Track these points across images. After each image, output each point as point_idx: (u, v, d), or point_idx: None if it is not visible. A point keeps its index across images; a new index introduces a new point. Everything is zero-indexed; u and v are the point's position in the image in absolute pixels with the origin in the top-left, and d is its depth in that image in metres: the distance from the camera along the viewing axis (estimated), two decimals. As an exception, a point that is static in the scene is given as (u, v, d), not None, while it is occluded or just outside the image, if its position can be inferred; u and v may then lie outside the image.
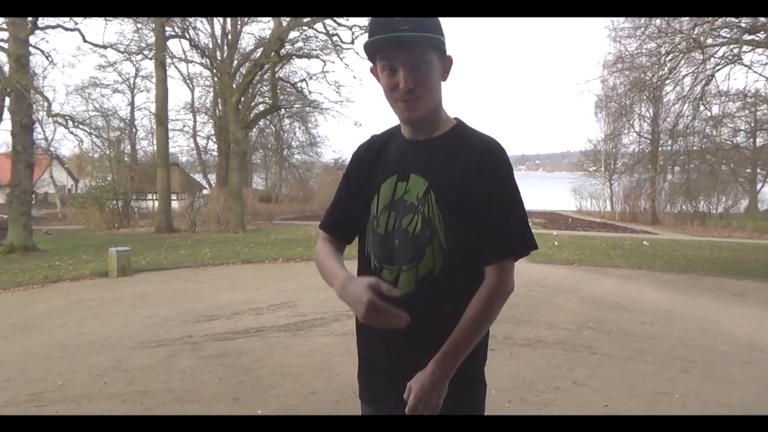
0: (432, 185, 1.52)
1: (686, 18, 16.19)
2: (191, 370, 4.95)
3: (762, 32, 15.00)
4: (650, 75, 18.62)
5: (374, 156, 1.66)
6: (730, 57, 16.48)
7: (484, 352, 1.62)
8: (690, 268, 12.48)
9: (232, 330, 6.39)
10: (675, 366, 5.27)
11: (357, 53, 21.03)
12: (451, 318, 1.49)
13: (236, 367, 5.02)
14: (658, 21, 16.76)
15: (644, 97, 24.17)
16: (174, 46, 49.21)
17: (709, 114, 21.07)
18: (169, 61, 23.47)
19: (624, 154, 33.17)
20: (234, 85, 22.37)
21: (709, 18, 13.77)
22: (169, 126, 24.08)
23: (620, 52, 21.06)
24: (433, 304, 1.51)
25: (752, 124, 26.40)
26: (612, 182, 32.55)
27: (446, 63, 1.55)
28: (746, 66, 18.99)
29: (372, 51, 1.51)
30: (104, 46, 20.37)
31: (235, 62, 24.77)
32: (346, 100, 28.34)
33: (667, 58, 16.28)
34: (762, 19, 13.54)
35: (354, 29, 20.32)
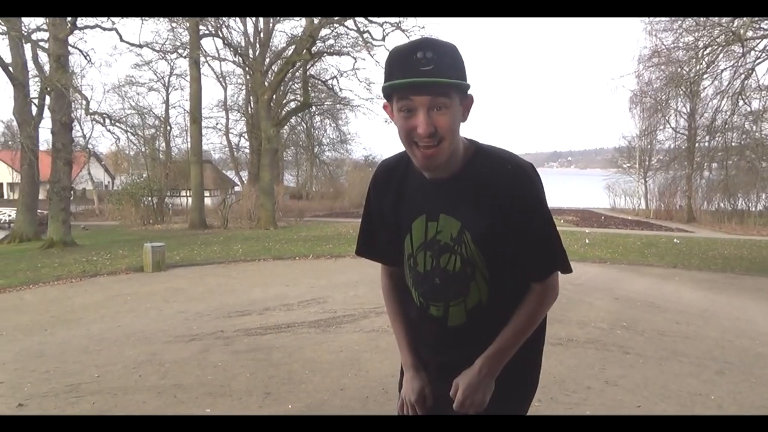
0: (465, 225, 1.50)
1: (725, 10, 15.78)
2: (223, 364, 5.03)
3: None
4: (687, 69, 18.18)
5: (395, 190, 1.62)
6: (772, 50, 16.00)
7: (536, 355, 1.73)
8: (727, 267, 12.18)
9: (263, 325, 6.48)
10: (711, 367, 5.16)
11: (388, 50, 20.95)
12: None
13: (267, 362, 5.08)
14: (695, 13, 16.36)
15: (681, 92, 23.67)
16: (208, 44, 49.81)
17: (748, 109, 20.45)
18: (202, 59, 23.84)
19: (659, 151, 32.50)
20: (266, 83, 22.60)
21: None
22: (203, 124, 24.51)
23: (656, 46, 20.64)
24: (486, 330, 1.56)
25: (793, 119, 25.55)
26: (647, 179, 31.91)
27: (467, 102, 1.48)
28: (788, 59, 18.36)
29: (390, 90, 1.43)
30: (140, 45, 20.84)
31: (267, 60, 25.00)
32: (376, 97, 28.26)
33: (705, 52, 15.87)
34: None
35: (385, 26, 20.36)
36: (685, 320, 7.09)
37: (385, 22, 20.30)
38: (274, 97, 24.50)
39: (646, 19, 21.13)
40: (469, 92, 1.47)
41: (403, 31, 20.48)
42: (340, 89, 26.49)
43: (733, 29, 13.24)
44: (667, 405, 4.22)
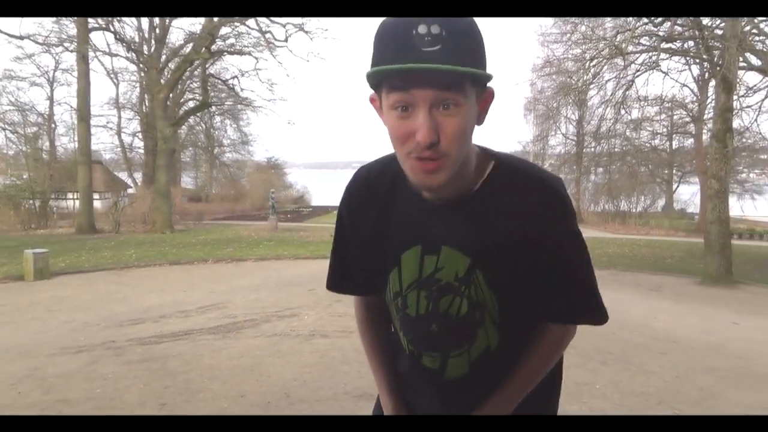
0: (476, 263, 1.14)
1: (610, 25, 16.96)
2: (114, 376, 4.75)
3: (678, 41, 15.88)
4: (576, 79, 19.36)
5: (379, 210, 1.23)
6: (649, 64, 17.36)
7: (552, 402, 1.38)
8: (611, 264, 13.08)
9: (158, 334, 6.19)
10: (595, 358, 5.51)
11: (290, 51, 20.98)
12: None
13: (162, 372, 4.86)
14: (583, 28, 17.47)
15: (570, 101, 25.14)
16: (97, 38, 47.19)
17: (629, 117, 22.12)
18: (92, 54, 22.42)
19: (551, 155, 34.35)
20: (162, 81, 21.66)
21: (631, 27, 14.46)
22: (92, 122, 23.05)
23: (548, 56, 21.86)
24: (492, 381, 1.24)
25: (669, 128, 27.90)
26: (540, 182, 33.58)
27: (486, 98, 1.08)
28: (663, 72, 20.07)
29: (378, 78, 1.02)
30: (21, 37, 19.31)
31: (164, 57, 23.97)
32: (279, 99, 28.01)
33: (592, 64, 16.95)
34: (678, 27, 14.33)
35: (288, 27, 20.13)
36: (573, 315, 7.51)
37: (288, 23, 20.08)
38: (171, 95, 23.54)
39: (540, 31, 22.28)
40: (489, 85, 1.07)
41: (306, 32, 20.37)
42: (242, 89, 25.89)
43: (616, 43, 14.20)
44: (557, 395, 4.45)
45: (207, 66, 23.84)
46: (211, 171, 39.32)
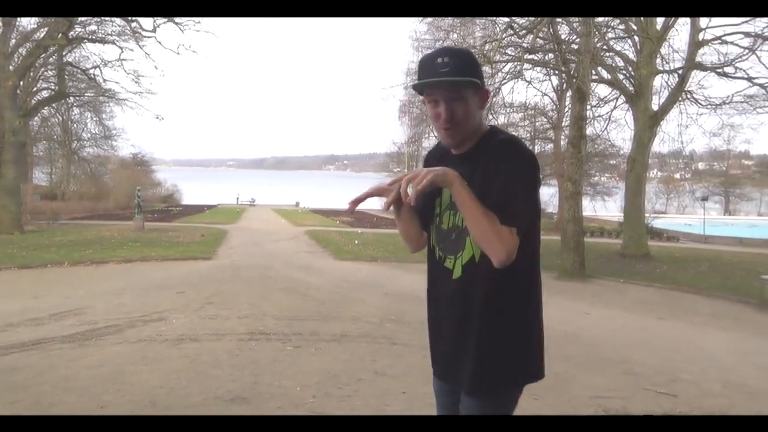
0: (471, 186, 1.75)
1: (479, 35, 17.83)
2: (-52, 393, 4.23)
3: (540, 52, 17.05)
4: (447, 84, 20.10)
5: (437, 162, 1.93)
6: (514, 73, 18.47)
7: (525, 336, 1.89)
8: (479, 261, 13.74)
9: (3, 345, 5.60)
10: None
11: (159, 42, 19.78)
12: (493, 299, 1.80)
13: (9, 386, 4.40)
14: (454, 35, 18.21)
15: (442, 105, 26.09)
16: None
17: (497, 123, 23.44)
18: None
19: (424, 157, 35.45)
20: (11, 68, 19.69)
21: (498, 37, 15.30)
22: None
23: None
24: (476, 286, 1.81)
25: (532, 133, 29.86)
26: (414, 183, 34.56)
27: (483, 94, 1.86)
28: (527, 81, 21.44)
29: (420, 88, 1.84)
30: None
31: (13, 41, 21.75)
32: (146, 91, 26.23)
33: (461, 70, 17.73)
34: (540, 40, 15.38)
35: (156, 18, 19.08)
36: (444, 310, 7.80)
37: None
38: (21, 84, 21.46)
39: (413, 36, 22.95)
40: (485, 88, 1.87)
41: (176, 24, 19.42)
42: (104, 80, 23.95)
43: (484, 52, 14.95)
44: (428, 388, 4.57)
45: (64, 53, 21.97)
46: (68, 167, 36.30)
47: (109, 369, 4.85)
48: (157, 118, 23.47)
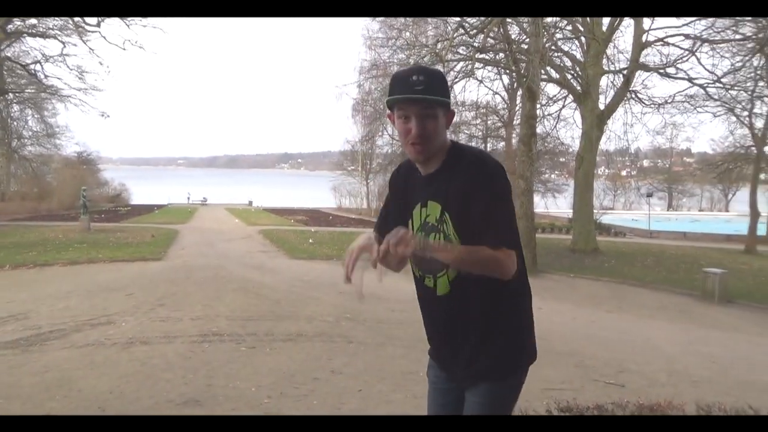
0: (444, 207, 1.87)
1: (432, 33, 17.97)
2: None
3: (491, 52, 17.32)
4: (400, 82, 20.19)
5: (403, 183, 2.05)
6: (466, 71, 18.71)
7: (517, 332, 1.98)
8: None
9: (-61, 352, 5.34)
10: (419, 347, 5.76)
11: (104, 37, 19.21)
12: (483, 309, 1.90)
13: (-55, 396, 4.20)
14: (407, 34, 18.31)
15: (395, 103, 26.18)
16: None
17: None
18: None
19: (379, 155, 35.53)
20: (-57, 61, 18.78)
21: (449, 36, 15.45)
22: None
23: (375, 59, 22.58)
24: (465, 300, 1.90)
25: (484, 131, 30.29)
26: (368, 181, 34.63)
27: (450, 115, 1.91)
28: (479, 80, 21.75)
29: (392, 103, 1.87)
30: None
31: (-55, 34, 20.76)
32: (91, 88, 25.34)
33: (414, 69, 17.84)
34: (491, 40, 15.61)
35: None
36: (400, 308, 7.85)
37: (101, 6, 18.46)
38: (-45, 78, 20.50)
39: (366, 34, 22.96)
40: (452, 109, 1.94)
41: (122, 19, 18.86)
42: (45, 76, 23.08)
43: (436, 51, 15.08)
44: (383, 385, 4.62)
45: (3, 48, 21.09)
46: (8, 166, 34.81)
47: (54, 375, 4.68)
48: (103, 115, 22.80)
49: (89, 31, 18.93)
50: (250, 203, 44.14)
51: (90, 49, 29.10)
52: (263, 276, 10.53)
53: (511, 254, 1.81)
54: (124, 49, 20.03)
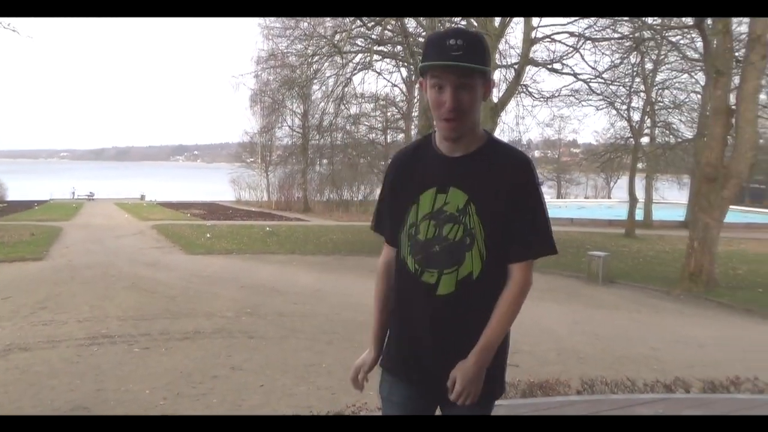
0: (472, 198, 1.66)
1: (330, 24, 17.86)
2: None
3: (389, 44, 17.47)
4: (299, 73, 20.01)
5: (408, 166, 1.78)
6: (365, 63, 18.77)
7: (504, 355, 1.79)
8: (336, 250, 13.88)
9: None
10: (322, 339, 5.79)
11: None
12: (487, 315, 1.67)
13: None
14: (305, 24, 18.07)
15: (294, 94, 25.86)
16: None
17: (349, 113, 23.70)
18: None
19: (278, 147, 34.93)
20: None
21: (347, 27, 15.43)
22: None
23: (273, 49, 22.16)
24: (470, 303, 1.67)
25: (383, 123, 30.60)
26: (268, 173, 34.03)
27: (489, 85, 1.67)
28: (377, 72, 21.92)
29: (425, 69, 1.64)
30: None
31: None
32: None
33: (314, 59, 17.68)
34: (388, 32, 15.76)
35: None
36: (301, 300, 7.79)
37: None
38: None
39: (263, 23, 22.46)
40: (491, 78, 1.70)
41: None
42: None
43: (334, 42, 15.01)
44: (286, 379, 4.57)
45: None
46: None
47: None
48: None
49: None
50: (143, 197, 42.02)
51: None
52: (157, 273, 10.08)
53: (531, 266, 1.70)
54: (-6, 31, 18.38)
